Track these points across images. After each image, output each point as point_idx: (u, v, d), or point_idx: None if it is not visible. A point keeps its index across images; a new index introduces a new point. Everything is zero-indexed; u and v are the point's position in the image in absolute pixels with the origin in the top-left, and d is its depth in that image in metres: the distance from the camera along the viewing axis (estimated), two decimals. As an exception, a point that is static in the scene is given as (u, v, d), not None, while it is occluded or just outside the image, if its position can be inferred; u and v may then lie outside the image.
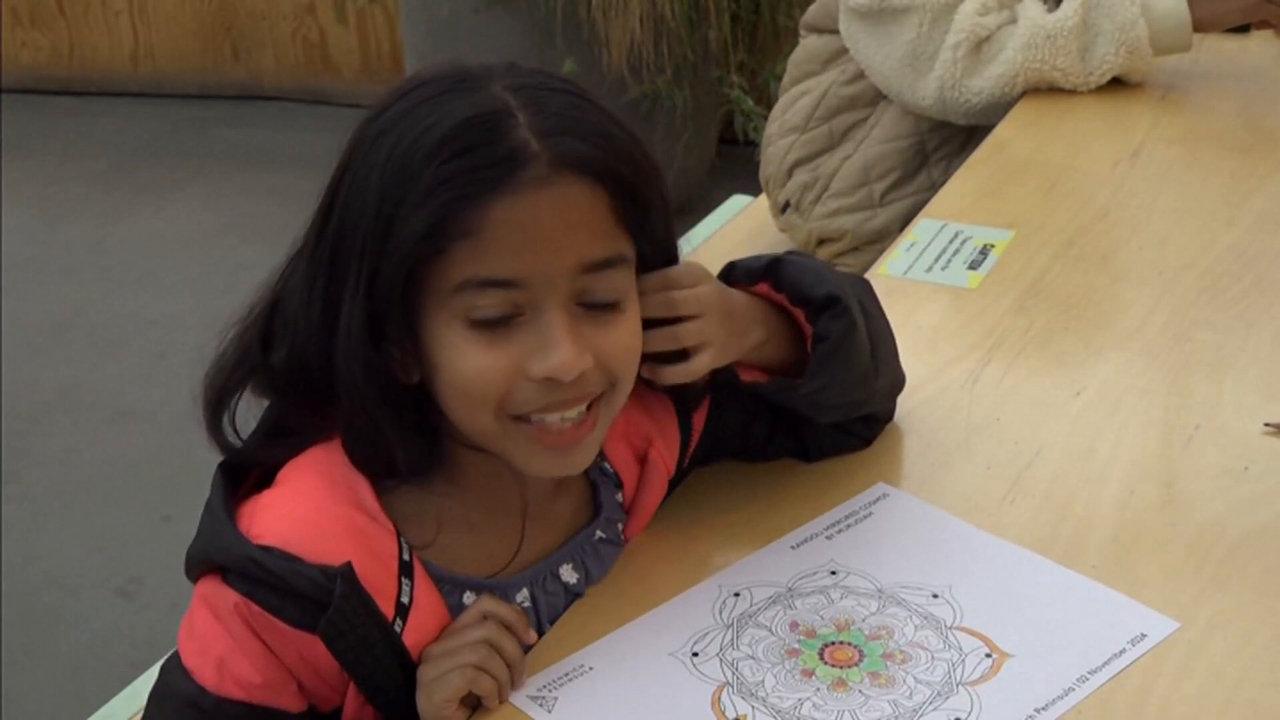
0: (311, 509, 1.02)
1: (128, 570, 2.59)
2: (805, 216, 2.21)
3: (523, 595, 1.09)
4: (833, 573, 1.14)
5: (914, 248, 1.64)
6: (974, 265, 1.60)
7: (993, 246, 1.63)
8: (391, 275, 0.97)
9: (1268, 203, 1.73)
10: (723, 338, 1.10)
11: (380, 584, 1.01)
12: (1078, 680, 1.03)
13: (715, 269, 1.15)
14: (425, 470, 1.06)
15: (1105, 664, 1.04)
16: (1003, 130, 1.95)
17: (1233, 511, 1.20)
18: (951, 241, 1.65)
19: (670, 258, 1.08)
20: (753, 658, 1.06)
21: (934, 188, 1.96)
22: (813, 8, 2.26)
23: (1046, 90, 2.02)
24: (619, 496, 1.16)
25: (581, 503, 1.14)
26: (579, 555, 1.12)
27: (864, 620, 1.09)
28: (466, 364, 0.98)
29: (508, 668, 1.02)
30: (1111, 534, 1.17)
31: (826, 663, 1.05)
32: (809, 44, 2.25)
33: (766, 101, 3.57)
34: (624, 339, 1.02)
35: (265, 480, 1.07)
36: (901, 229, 1.79)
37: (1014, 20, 2.02)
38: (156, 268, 3.67)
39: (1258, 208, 1.72)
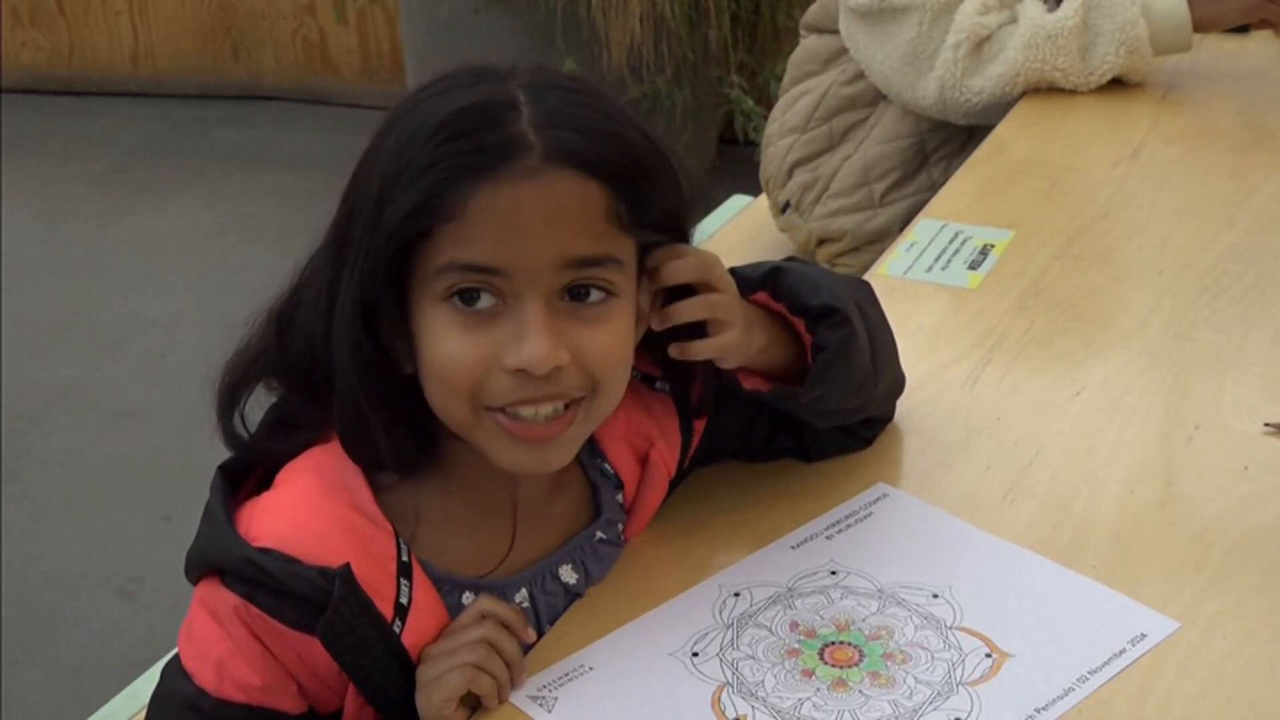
0: (310, 511, 1.02)
1: (128, 570, 2.59)
2: (805, 216, 2.21)
3: (521, 595, 1.09)
4: (833, 573, 1.14)
5: (914, 248, 1.64)
6: (974, 265, 1.60)
7: (993, 246, 1.63)
8: (379, 254, 0.97)
9: (1268, 203, 1.73)
10: (744, 323, 1.10)
11: (379, 585, 1.01)
12: (1078, 680, 1.03)
13: (715, 269, 1.14)
14: (414, 464, 1.06)
15: (1105, 664, 1.04)
16: (1003, 130, 1.95)
17: (1233, 511, 1.20)
18: (951, 241, 1.65)
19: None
20: (753, 658, 1.06)
21: (934, 188, 1.96)
22: (813, 8, 2.26)
23: (1046, 90, 2.03)
24: (619, 497, 1.16)
25: (582, 503, 1.14)
26: (578, 556, 1.12)
27: (864, 620, 1.09)
28: (444, 348, 0.98)
29: (507, 667, 1.02)
30: (1111, 534, 1.17)
31: (826, 663, 1.05)
32: (809, 44, 2.26)
33: (766, 101, 3.57)
34: (607, 340, 1.00)
35: (265, 483, 1.07)
36: (901, 229, 1.80)
37: (1014, 20, 2.02)
38: (156, 268, 3.67)
39: (1258, 208, 1.72)
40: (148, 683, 1.08)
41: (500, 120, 0.96)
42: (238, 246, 3.71)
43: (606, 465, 1.15)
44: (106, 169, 4.22)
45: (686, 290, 1.08)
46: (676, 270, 1.05)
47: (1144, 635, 1.06)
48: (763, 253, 2.22)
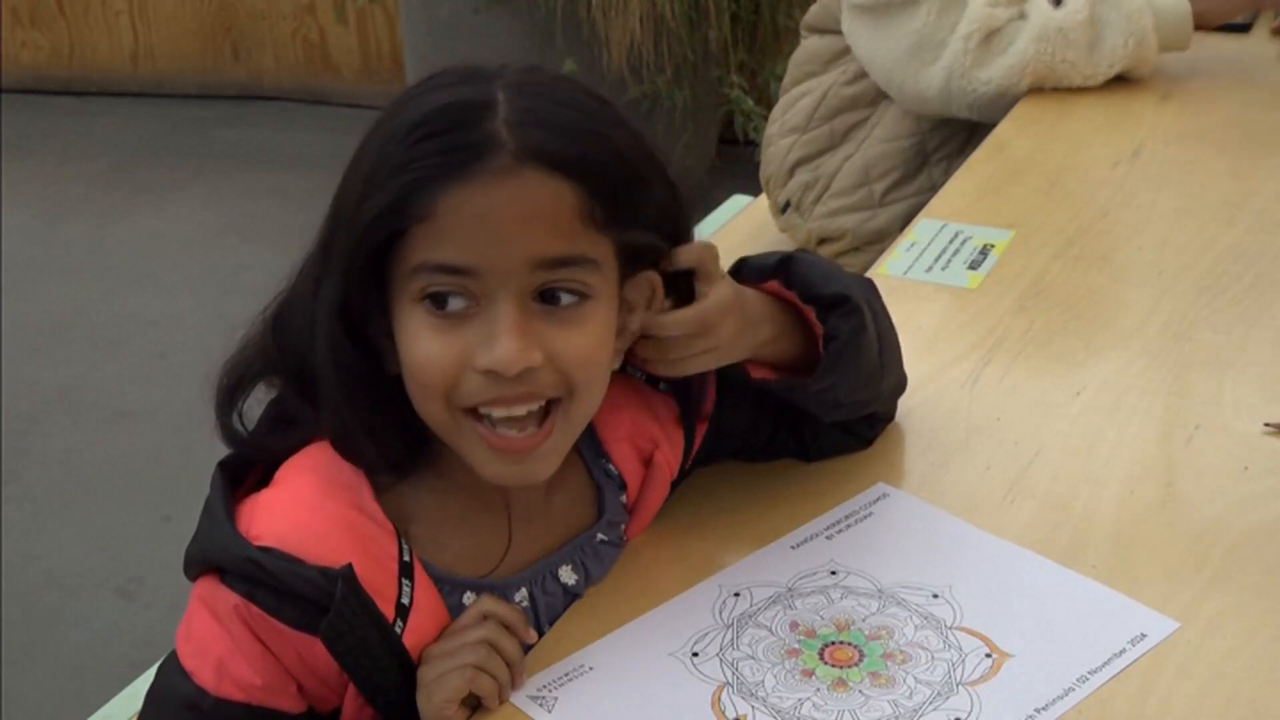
0: (310, 510, 1.02)
1: (128, 570, 2.59)
2: (806, 216, 2.21)
3: (521, 595, 1.09)
4: (833, 573, 1.14)
5: (914, 248, 1.64)
6: (974, 265, 1.60)
7: (993, 246, 1.63)
8: (354, 254, 0.97)
9: (1268, 203, 1.73)
10: (731, 338, 1.10)
11: (380, 585, 1.01)
12: (1078, 680, 1.03)
13: (716, 268, 1.15)
14: (402, 465, 1.05)
15: (1105, 664, 1.04)
16: (1003, 130, 1.95)
17: (1233, 511, 1.20)
18: (951, 241, 1.65)
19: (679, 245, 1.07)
20: (753, 658, 1.06)
21: (934, 188, 1.96)
22: (813, 9, 2.26)
23: (1047, 90, 2.02)
24: (623, 499, 1.16)
25: (585, 504, 1.14)
26: (579, 557, 1.12)
27: (864, 620, 1.09)
28: (418, 349, 0.98)
29: (508, 668, 1.02)
30: (1111, 534, 1.17)
31: (826, 663, 1.05)
32: (810, 44, 2.26)
33: (766, 101, 3.57)
34: (582, 342, 0.99)
35: (264, 480, 1.07)
36: (902, 229, 1.80)
37: (1022, 17, 2.02)
38: (156, 268, 3.67)
39: (1258, 208, 1.72)
40: (147, 683, 1.07)
41: (473, 120, 0.96)
42: (238, 246, 3.71)
43: (610, 466, 1.14)
44: (106, 169, 4.22)
45: (687, 285, 1.08)
46: (674, 257, 1.05)
47: (1144, 635, 1.06)
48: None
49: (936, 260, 1.61)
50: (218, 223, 3.88)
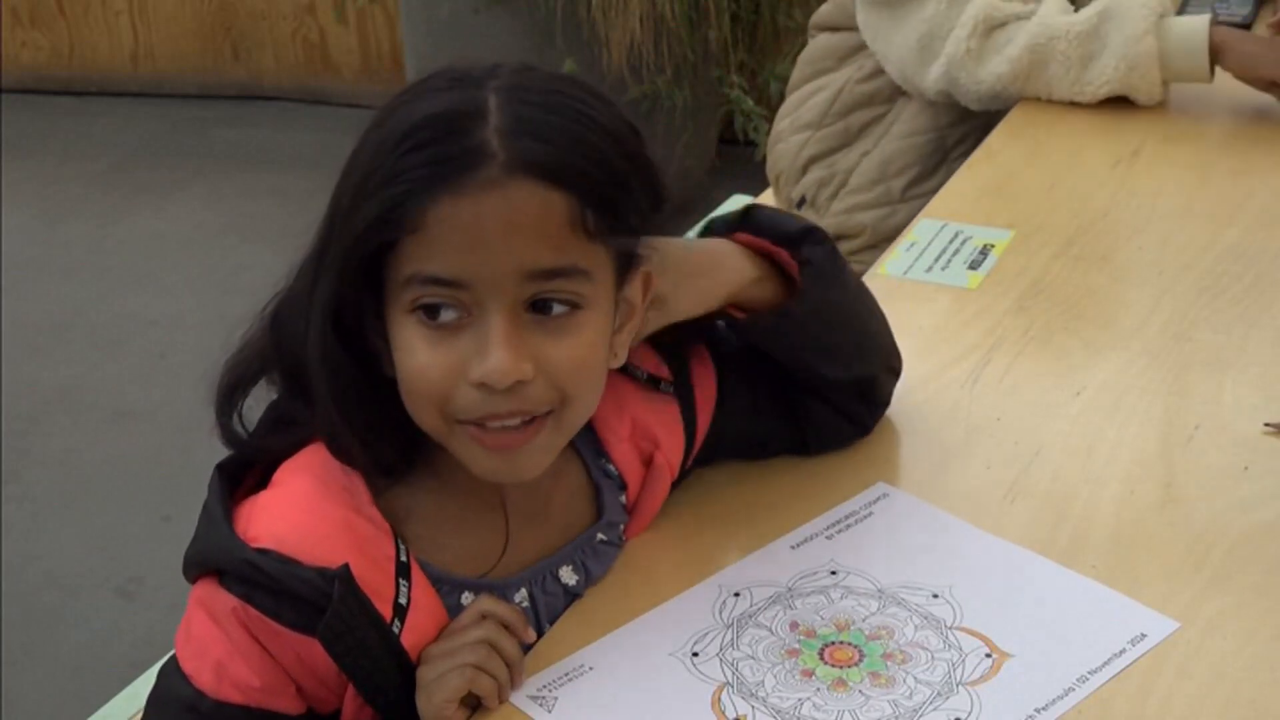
0: (308, 511, 1.02)
1: (128, 570, 2.59)
2: (821, 213, 2.20)
3: (521, 595, 1.09)
4: (833, 573, 1.14)
5: (914, 248, 1.64)
6: (974, 265, 1.60)
7: (993, 246, 1.63)
8: (346, 262, 0.97)
9: (1268, 202, 1.73)
10: (674, 292, 1.11)
11: (378, 585, 1.01)
12: (1078, 680, 1.03)
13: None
14: (399, 467, 1.05)
15: (1105, 664, 1.04)
16: (1003, 129, 1.95)
17: (1233, 511, 1.20)
18: (951, 241, 1.65)
19: None
20: (753, 658, 1.06)
21: (955, 184, 1.94)
22: (825, 7, 2.25)
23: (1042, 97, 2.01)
24: (623, 499, 1.16)
25: (584, 504, 1.14)
26: (579, 557, 1.12)
27: (864, 620, 1.09)
28: (412, 360, 0.98)
29: (507, 667, 1.02)
30: (1111, 534, 1.17)
31: (826, 663, 1.05)
32: (822, 41, 2.25)
33: (767, 101, 3.57)
34: (575, 352, 0.99)
35: (263, 482, 1.07)
36: (920, 226, 1.78)
37: (1029, 16, 1.98)
38: (156, 268, 3.66)
39: (1258, 208, 1.72)
40: (147, 683, 1.08)
41: (463, 130, 0.95)
42: (238, 246, 3.71)
43: (611, 466, 1.14)
44: (106, 169, 4.21)
45: None
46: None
47: (1144, 635, 1.06)
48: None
49: (936, 260, 1.61)
50: (218, 223, 3.88)
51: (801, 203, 2.24)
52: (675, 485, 1.20)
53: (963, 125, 2.11)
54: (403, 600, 1.02)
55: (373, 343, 1.01)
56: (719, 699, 1.03)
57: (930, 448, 1.29)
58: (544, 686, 1.04)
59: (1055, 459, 1.27)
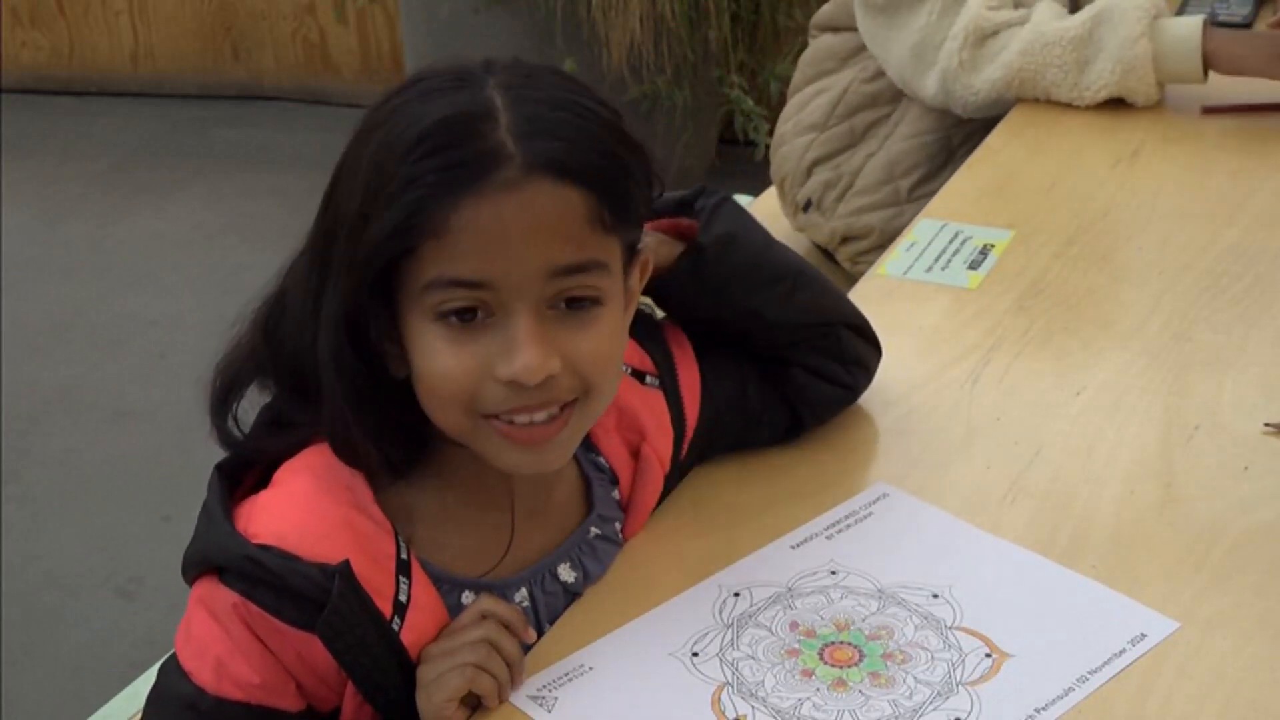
0: (308, 509, 1.02)
1: (128, 570, 2.59)
2: (828, 215, 2.20)
3: (521, 595, 1.09)
4: (833, 573, 1.14)
5: (914, 248, 1.64)
6: (974, 265, 1.60)
7: (993, 246, 1.63)
8: (364, 271, 0.97)
9: (1268, 202, 1.73)
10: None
11: (378, 583, 1.01)
12: (1078, 680, 1.03)
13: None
14: (404, 467, 1.06)
15: (1105, 664, 1.04)
16: (1003, 130, 1.95)
17: (1233, 511, 1.20)
18: (951, 241, 1.65)
19: None
20: (753, 658, 1.06)
21: (962, 184, 1.93)
22: (826, 7, 2.25)
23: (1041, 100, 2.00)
24: (615, 493, 1.16)
25: (576, 498, 1.14)
26: (576, 554, 1.12)
27: (864, 620, 1.09)
28: (436, 363, 0.98)
29: (507, 667, 1.02)
30: (1111, 534, 1.17)
31: (826, 663, 1.05)
32: (824, 42, 2.24)
33: (767, 101, 3.57)
34: (598, 344, 1.00)
35: (262, 482, 1.07)
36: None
37: (1023, 22, 1.98)
38: (156, 268, 3.66)
39: (1258, 208, 1.72)
40: (147, 683, 1.08)
41: (477, 132, 0.96)
42: (238, 246, 3.71)
43: (600, 459, 1.15)
44: (106, 169, 4.21)
45: None
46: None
47: (1144, 635, 1.06)
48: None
49: (936, 260, 1.61)
50: (218, 223, 3.88)
51: (808, 205, 2.24)
52: (674, 482, 1.21)
53: (968, 124, 2.10)
54: (403, 598, 1.02)
55: (378, 344, 1.01)
56: (719, 699, 1.03)
57: (930, 448, 1.29)
58: (544, 686, 1.04)
59: (1055, 459, 1.27)
